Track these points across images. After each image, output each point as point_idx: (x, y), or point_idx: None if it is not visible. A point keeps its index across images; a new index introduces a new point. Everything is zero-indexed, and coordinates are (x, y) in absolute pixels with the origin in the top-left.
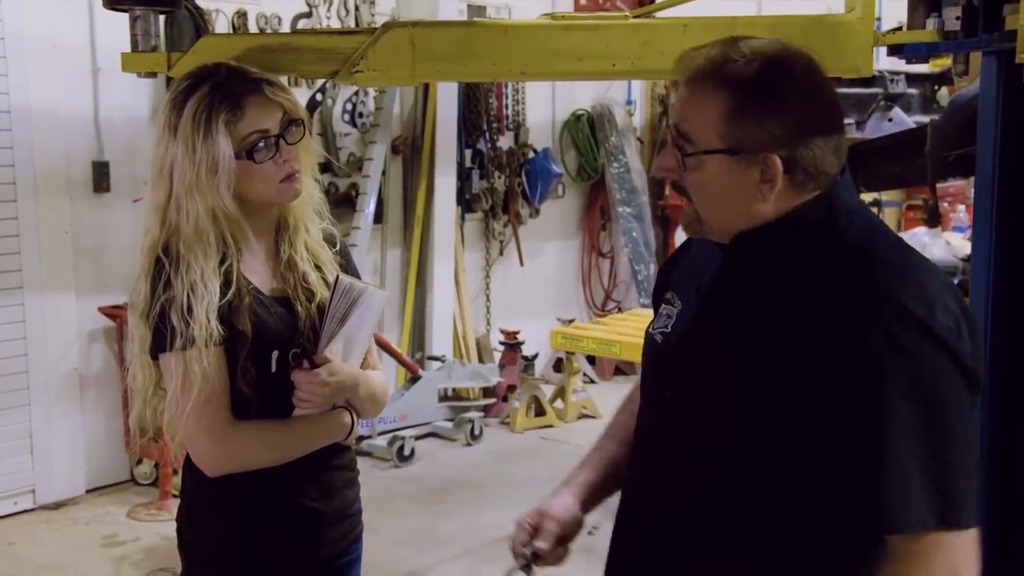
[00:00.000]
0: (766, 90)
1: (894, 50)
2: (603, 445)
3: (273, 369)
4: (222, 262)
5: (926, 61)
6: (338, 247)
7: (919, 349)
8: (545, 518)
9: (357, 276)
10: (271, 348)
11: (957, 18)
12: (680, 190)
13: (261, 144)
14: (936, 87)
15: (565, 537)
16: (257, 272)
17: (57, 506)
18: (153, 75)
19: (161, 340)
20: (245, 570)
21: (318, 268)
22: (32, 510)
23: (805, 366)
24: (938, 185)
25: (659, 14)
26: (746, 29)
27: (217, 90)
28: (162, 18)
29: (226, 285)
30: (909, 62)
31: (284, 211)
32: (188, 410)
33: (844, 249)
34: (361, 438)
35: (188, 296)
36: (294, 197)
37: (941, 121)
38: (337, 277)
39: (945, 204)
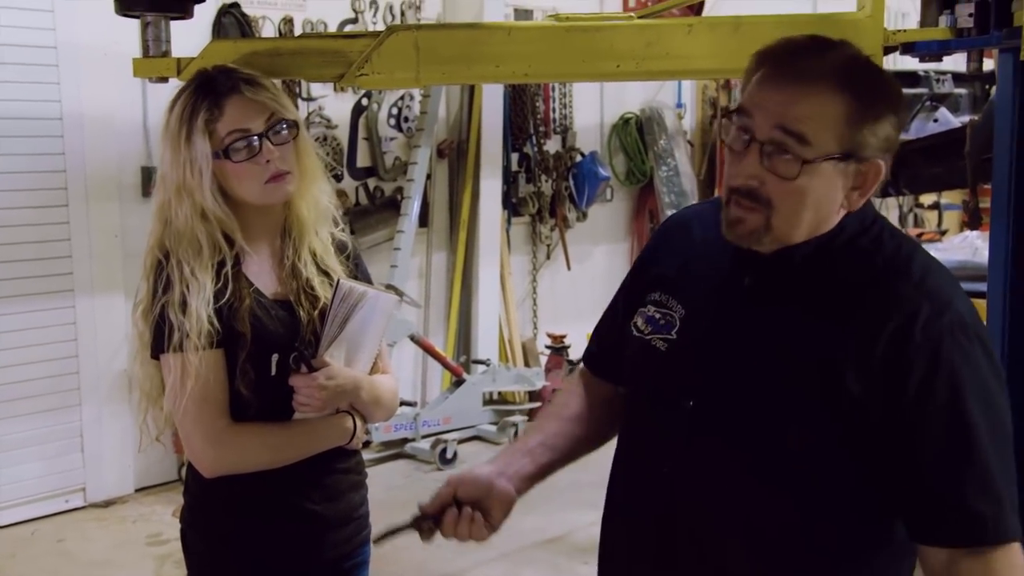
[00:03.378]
0: (883, 93)
1: (907, 48)
2: (550, 427)
3: (273, 372)
4: (222, 263)
5: (939, 59)
6: (348, 253)
7: (978, 357)
8: (460, 483)
9: (368, 282)
10: (271, 351)
11: (970, 15)
12: (753, 197)
13: (240, 144)
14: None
15: (483, 510)
16: (260, 275)
17: (106, 504)
18: (164, 80)
19: (160, 340)
20: (247, 572)
21: (325, 274)
22: (83, 508)
23: (870, 378)
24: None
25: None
26: (752, 28)
27: (200, 91)
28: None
29: (225, 286)
30: (922, 60)
31: (289, 216)
32: (184, 410)
33: (889, 257)
34: (404, 440)
35: (184, 296)
36: (282, 199)
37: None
38: (338, 281)
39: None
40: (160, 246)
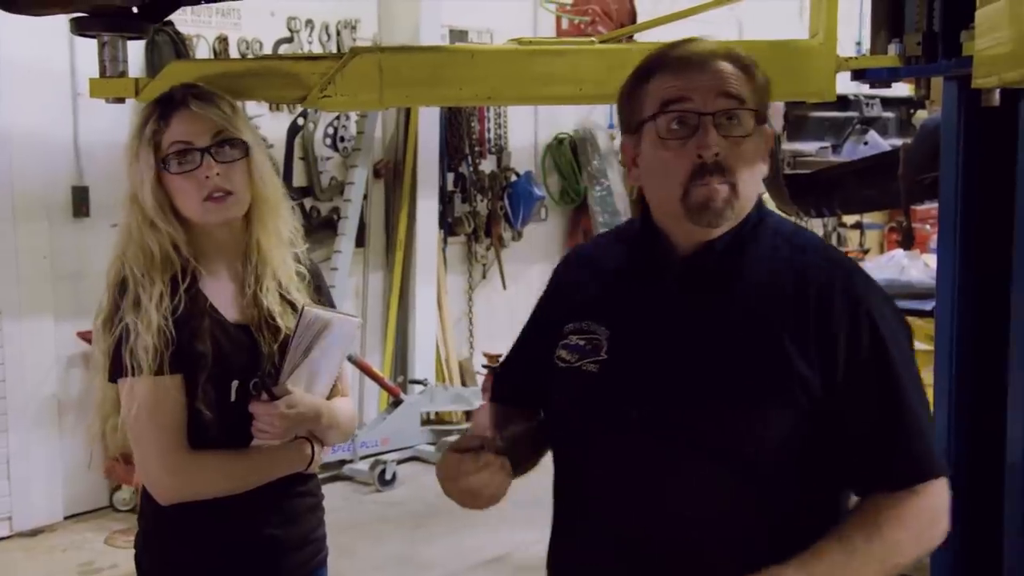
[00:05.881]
0: (756, 67)
1: (857, 75)
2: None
3: (233, 398)
4: (175, 279)
5: (888, 86)
6: (309, 280)
7: (887, 311)
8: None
9: (332, 306)
10: (231, 376)
11: (918, 43)
12: (719, 169)
13: (180, 157)
14: (912, 110)
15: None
16: (220, 298)
17: (34, 533)
18: (121, 100)
19: (118, 364)
20: None
21: (289, 304)
22: (9, 537)
23: (808, 352)
24: (919, 208)
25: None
26: None
27: (154, 105)
28: (131, 44)
29: (182, 302)
30: (873, 86)
31: (250, 242)
32: (141, 436)
33: (787, 237)
34: (342, 462)
35: (140, 303)
36: (223, 220)
37: (913, 145)
38: (303, 308)
39: (927, 227)
40: (121, 257)
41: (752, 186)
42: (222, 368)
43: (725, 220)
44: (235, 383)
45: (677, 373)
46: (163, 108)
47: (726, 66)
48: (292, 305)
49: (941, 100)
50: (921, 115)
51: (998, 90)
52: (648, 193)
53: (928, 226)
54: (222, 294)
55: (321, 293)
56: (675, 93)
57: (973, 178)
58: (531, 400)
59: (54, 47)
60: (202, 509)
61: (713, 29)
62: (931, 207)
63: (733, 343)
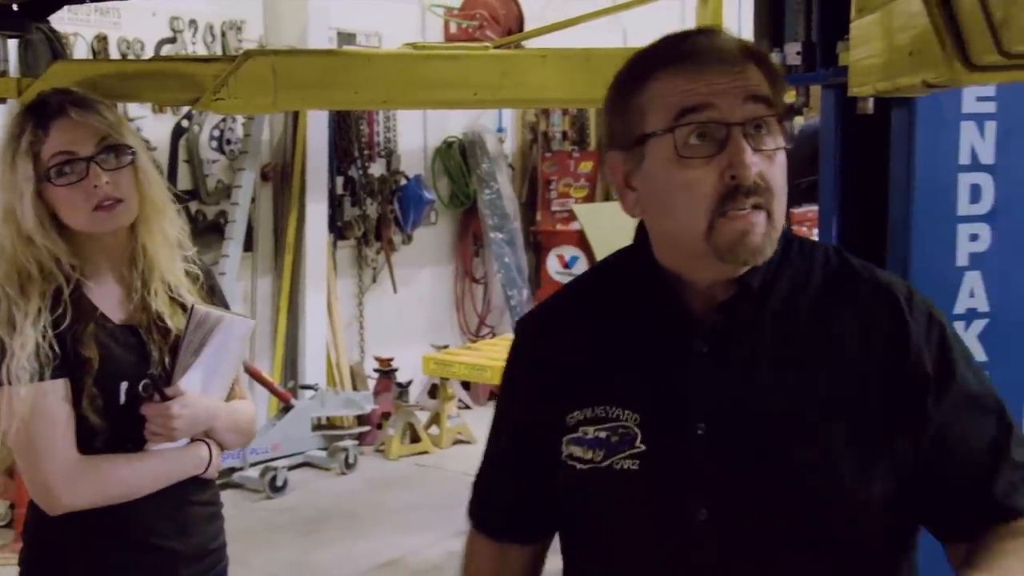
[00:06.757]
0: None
1: None
2: None
3: (122, 400)
4: (59, 290)
5: None
6: (201, 283)
7: (955, 335)
8: None
9: (226, 307)
10: (119, 378)
11: (798, 53)
12: (756, 191)
13: (64, 167)
14: (791, 116)
15: None
16: (106, 302)
17: None
18: (2, 101)
19: (8, 371)
20: None
21: (179, 305)
22: None
23: (887, 388)
24: (795, 211)
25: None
26: (602, 60)
27: (28, 112)
28: (14, 43)
29: (65, 312)
30: None
31: (136, 246)
32: (26, 446)
33: (823, 264)
34: (232, 469)
35: (14, 322)
36: (114, 227)
37: (792, 150)
38: (192, 306)
39: (804, 228)
40: (6, 267)
41: (783, 205)
42: (109, 371)
43: (764, 257)
44: (124, 384)
45: (748, 457)
46: (39, 117)
47: (747, 63)
48: (183, 306)
49: (819, 107)
50: (799, 121)
51: (872, 98)
52: (654, 225)
53: (806, 227)
54: (109, 298)
55: (214, 293)
56: (696, 99)
57: (849, 181)
58: (536, 524)
59: None
60: (91, 519)
61: (598, 36)
62: (808, 210)
63: (804, 407)
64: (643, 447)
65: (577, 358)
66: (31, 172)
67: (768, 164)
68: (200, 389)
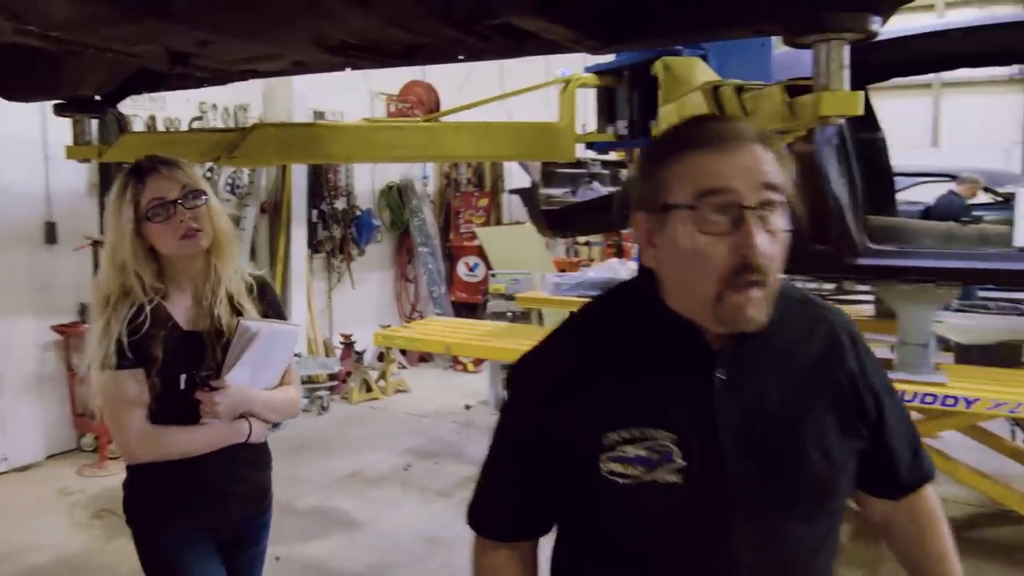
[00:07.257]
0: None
1: (589, 146)
2: None
3: (182, 387)
4: (143, 305)
5: (607, 153)
6: (256, 294)
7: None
8: None
9: (280, 316)
10: (179, 371)
11: (626, 127)
12: (759, 270)
13: (158, 208)
14: (619, 169)
15: None
16: (179, 311)
17: (24, 468)
18: (87, 161)
19: (99, 361)
20: (175, 523)
21: (238, 312)
22: (6, 472)
23: (862, 391)
24: (623, 231)
25: (444, 119)
26: (499, 131)
27: (130, 174)
28: (95, 122)
29: (145, 320)
30: (597, 153)
31: (209, 264)
32: (110, 416)
33: (787, 296)
34: None
35: (112, 325)
36: (196, 250)
37: (620, 191)
38: (239, 320)
39: (630, 243)
40: (105, 287)
41: (779, 277)
42: (170, 366)
43: (759, 327)
44: (183, 376)
45: (771, 460)
46: (138, 175)
47: (761, 150)
48: (239, 312)
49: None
50: (625, 173)
51: None
52: (670, 280)
53: (631, 243)
54: (182, 308)
55: (264, 297)
56: (716, 182)
57: None
58: (543, 523)
59: (29, 122)
60: (168, 467)
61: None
62: (631, 231)
63: (805, 416)
64: (683, 463)
65: (598, 387)
66: (132, 215)
67: (773, 242)
68: (249, 382)
